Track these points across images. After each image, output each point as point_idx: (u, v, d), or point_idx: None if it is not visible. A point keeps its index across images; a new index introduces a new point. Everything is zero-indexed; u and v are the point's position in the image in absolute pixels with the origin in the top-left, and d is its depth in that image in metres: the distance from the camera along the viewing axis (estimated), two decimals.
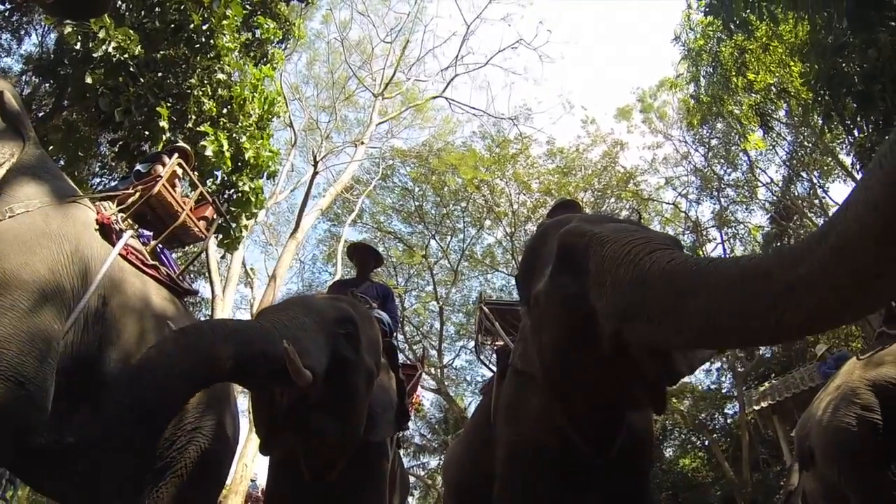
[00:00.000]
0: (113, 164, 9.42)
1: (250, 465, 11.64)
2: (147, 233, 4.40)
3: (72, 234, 3.39)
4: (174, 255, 5.18)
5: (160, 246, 4.55)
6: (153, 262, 4.13)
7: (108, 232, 3.80)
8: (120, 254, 3.71)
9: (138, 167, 5.21)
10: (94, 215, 3.81)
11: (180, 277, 4.56)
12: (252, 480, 11.83)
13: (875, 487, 4.37)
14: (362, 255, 5.72)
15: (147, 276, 3.96)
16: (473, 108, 21.69)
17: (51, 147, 7.35)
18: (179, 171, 5.18)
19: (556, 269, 2.69)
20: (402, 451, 6.05)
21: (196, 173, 5.65)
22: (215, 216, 5.73)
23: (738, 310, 1.66)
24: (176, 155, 5.20)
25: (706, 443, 20.05)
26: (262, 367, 2.56)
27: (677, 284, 1.93)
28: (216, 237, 9.16)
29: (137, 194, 4.51)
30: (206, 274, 14.57)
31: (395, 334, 5.61)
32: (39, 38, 8.65)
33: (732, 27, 7.19)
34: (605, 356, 2.37)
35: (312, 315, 3.03)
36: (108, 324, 3.37)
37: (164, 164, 4.97)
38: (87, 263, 3.37)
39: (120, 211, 4.18)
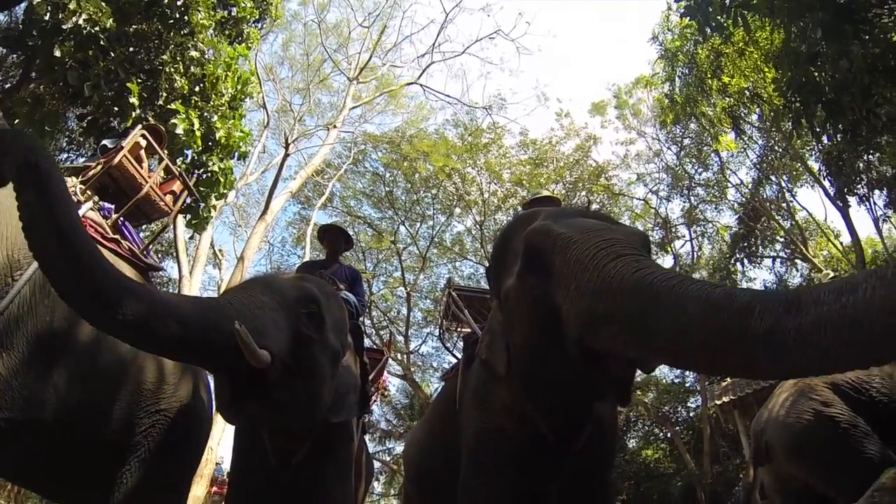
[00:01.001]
0: (81, 139, 9.16)
1: (216, 448, 11.54)
2: (108, 206, 4.22)
3: None
4: (141, 234, 5.00)
5: (122, 220, 4.34)
6: (114, 237, 3.94)
7: None
8: None
9: (104, 142, 5.04)
10: None
11: (144, 252, 4.38)
12: (217, 464, 11.74)
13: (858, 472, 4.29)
14: (333, 237, 5.71)
15: (106, 250, 3.70)
16: (448, 95, 21.67)
17: (17, 120, 7.10)
18: (144, 143, 4.97)
19: (523, 268, 2.69)
20: (367, 437, 6.04)
21: (166, 151, 5.44)
22: (183, 191, 5.48)
23: (713, 343, 1.63)
24: (140, 126, 5.02)
25: (669, 435, 20.45)
26: (213, 344, 2.44)
27: (644, 300, 1.90)
28: (185, 217, 9.00)
29: (99, 167, 4.32)
30: (174, 254, 14.34)
31: (361, 317, 5.59)
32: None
33: (708, 31, 7.26)
34: (569, 356, 2.38)
35: (273, 294, 2.96)
36: (56, 299, 3.12)
37: None
38: None
39: (80, 183, 4.00)
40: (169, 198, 5.14)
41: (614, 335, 2.04)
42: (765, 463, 5.16)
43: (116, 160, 4.37)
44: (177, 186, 5.38)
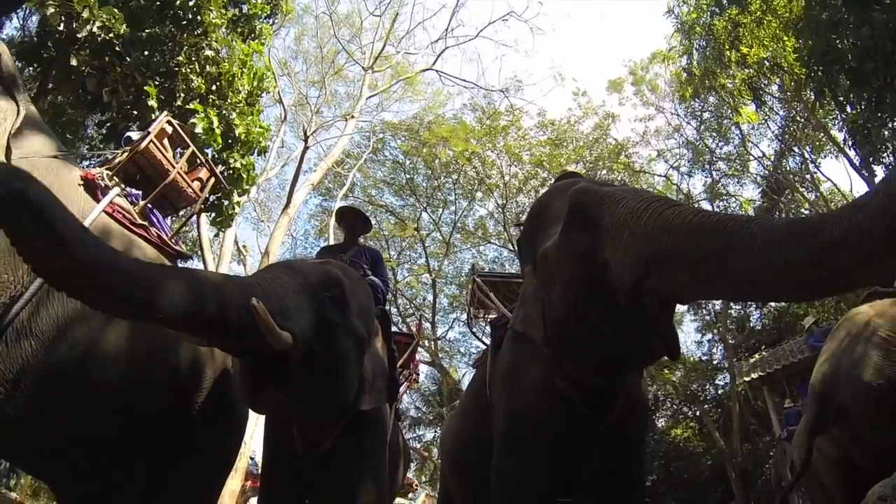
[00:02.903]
0: (101, 146, 9.30)
1: (249, 442, 11.69)
2: (136, 192, 4.12)
3: (55, 187, 3.12)
4: (168, 222, 4.85)
5: (150, 207, 4.24)
6: (142, 223, 3.87)
7: (92, 188, 3.55)
8: (105, 211, 3.44)
9: (128, 134, 4.95)
10: (79, 172, 3.59)
11: (173, 240, 4.32)
12: (251, 458, 11.91)
13: None
14: (350, 220, 5.60)
15: (135, 235, 3.67)
16: (464, 80, 21.51)
17: None
18: (169, 130, 4.89)
19: (568, 225, 2.70)
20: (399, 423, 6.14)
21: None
22: (210, 178, 5.35)
23: (780, 265, 1.75)
24: (165, 113, 4.94)
25: (697, 413, 20.37)
26: (229, 321, 2.34)
27: (709, 237, 1.99)
28: (209, 216, 9.10)
29: (125, 154, 4.27)
30: (199, 251, 14.50)
31: (387, 302, 5.50)
32: (21, 22, 8.46)
33: (724, 2, 7.13)
34: (616, 309, 2.42)
35: (296, 276, 2.90)
36: None
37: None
38: None
39: (107, 170, 3.92)
40: (196, 185, 5.02)
41: (677, 274, 2.12)
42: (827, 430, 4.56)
43: (143, 145, 4.31)
44: (203, 174, 5.27)
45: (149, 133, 4.42)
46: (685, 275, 2.08)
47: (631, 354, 2.85)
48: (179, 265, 4.33)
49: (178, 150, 5.24)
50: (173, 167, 4.58)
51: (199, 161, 5.34)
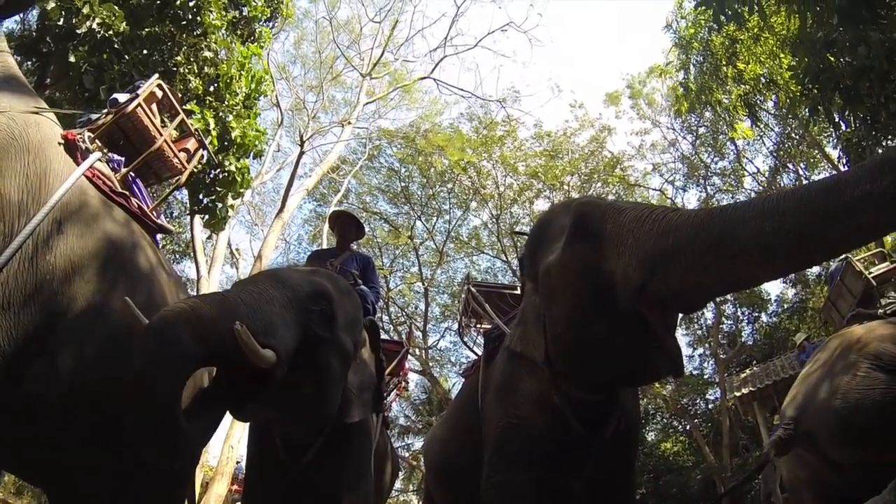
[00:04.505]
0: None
1: (236, 446, 11.63)
2: (119, 158, 3.87)
3: (34, 143, 2.95)
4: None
5: (133, 175, 3.98)
6: (123, 192, 3.59)
7: (72, 149, 3.32)
8: (85, 175, 3.20)
9: (115, 96, 4.56)
10: (60, 130, 3.37)
11: (153, 212, 4.05)
12: (238, 462, 11.84)
13: None
14: (343, 225, 5.51)
15: (115, 204, 3.41)
16: (461, 89, 21.70)
17: None
18: (159, 95, 4.62)
19: (571, 237, 2.72)
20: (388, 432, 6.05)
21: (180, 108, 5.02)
22: (198, 149, 5.08)
23: (805, 224, 1.87)
24: (156, 76, 4.66)
25: (688, 427, 20.35)
26: (224, 346, 2.37)
27: (718, 221, 2.09)
28: (202, 218, 9.06)
29: (110, 116, 3.97)
30: (192, 254, 14.46)
31: (377, 310, 5.44)
32: (21, 15, 8.43)
33: (723, 18, 7.17)
34: (620, 324, 2.44)
35: (284, 289, 2.86)
36: (60, 255, 2.81)
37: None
38: (43, 179, 2.90)
39: (89, 131, 3.67)
40: (183, 155, 4.75)
41: (685, 267, 2.17)
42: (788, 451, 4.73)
43: (131, 108, 4.03)
44: (191, 145, 4.99)
45: (137, 96, 4.16)
46: (697, 263, 2.13)
47: (634, 372, 2.85)
48: (158, 238, 4.15)
49: (167, 115, 4.99)
50: (161, 134, 4.32)
51: (186, 129, 5.11)
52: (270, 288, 2.80)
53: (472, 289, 6.53)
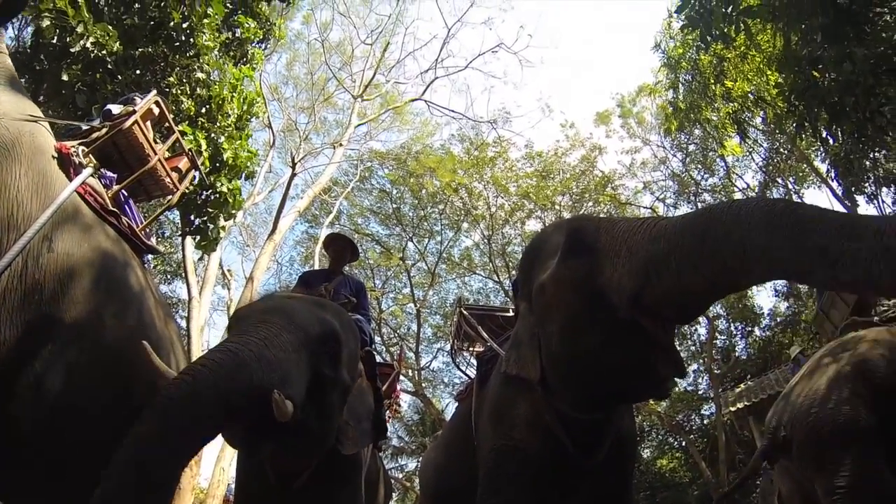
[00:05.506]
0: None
1: (227, 468, 11.51)
2: (111, 174, 3.81)
3: (26, 154, 2.90)
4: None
5: (124, 193, 3.92)
6: (114, 210, 3.53)
7: (66, 163, 3.25)
8: (77, 192, 3.15)
9: (109, 107, 4.47)
10: (53, 141, 3.31)
11: (144, 232, 3.99)
12: (229, 484, 11.68)
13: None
14: (339, 247, 5.47)
15: (106, 223, 3.36)
16: (452, 111, 21.73)
17: None
18: (156, 112, 4.56)
19: (566, 252, 2.74)
20: (380, 454, 5.95)
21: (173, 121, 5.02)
22: (190, 169, 5.02)
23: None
24: (154, 92, 4.62)
25: (683, 443, 20.27)
26: (243, 405, 2.41)
27: (703, 218, 2.11)
28: (193, 239, 9.02)
29: (105, 129, 3.93)
30: (183, 275, 14.38)
31: (373, 342, 5.43)
32: (16, 32, 8.44)
33: (709, 39, 7.28)
34: (616, 335, 2.44)
35: (296, 332, 2.85)
36: (49, 274, 2.73)
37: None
38: (34, 193, 2.83)
39: (82, 145, 3.58)
40: (174, 175, 4.71)
41: (677, 269, 2.17)
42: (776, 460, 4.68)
43: (128, 124, 3.97)
44: (183, 164, 4.95)
45: (134, 112, 4.11)
46: (689, 268, 2.12)
47: (631, 384, 2.81)
48: (146, 259, 4.10)
49: (159, 134, 4.94)
50: (155, 153, 4.28)
51: (180, 148, 5.07)
52: (283, 330, 2.79)
53: (465, 312, 6.51)
